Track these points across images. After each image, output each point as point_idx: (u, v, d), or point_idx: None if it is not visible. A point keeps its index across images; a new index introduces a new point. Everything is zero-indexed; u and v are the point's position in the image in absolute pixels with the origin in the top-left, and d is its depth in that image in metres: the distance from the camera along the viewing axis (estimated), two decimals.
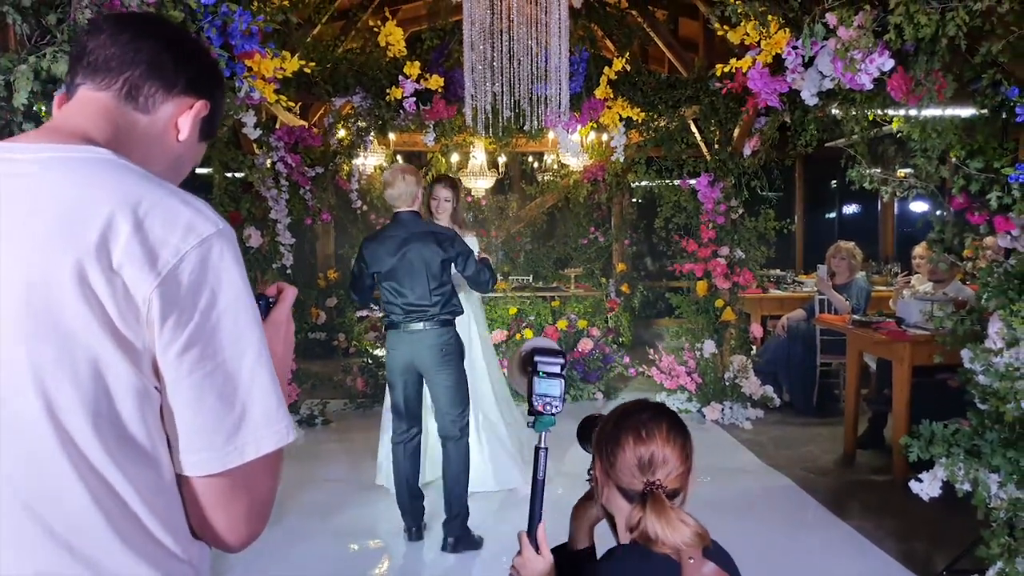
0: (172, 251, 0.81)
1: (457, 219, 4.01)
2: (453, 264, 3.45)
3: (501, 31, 3.69)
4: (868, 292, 5.56)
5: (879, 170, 2.90)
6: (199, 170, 4.86)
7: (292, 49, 3.74)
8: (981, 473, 2.50)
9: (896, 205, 9.00)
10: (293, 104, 4.44)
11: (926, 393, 4.14)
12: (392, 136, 7.16)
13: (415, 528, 3.55)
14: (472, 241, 4.09)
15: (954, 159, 2.66)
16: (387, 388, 3.71)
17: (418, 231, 3.41)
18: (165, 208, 0.83)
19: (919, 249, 5.21)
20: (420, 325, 3.40)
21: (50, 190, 0.82)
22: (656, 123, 5.34)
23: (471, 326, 4.24)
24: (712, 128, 5.44)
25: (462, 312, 3.57)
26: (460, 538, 3.43)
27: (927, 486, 2.63)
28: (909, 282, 5.51)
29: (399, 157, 8.57)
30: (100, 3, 2.11)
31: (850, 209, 10.62)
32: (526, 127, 4.20)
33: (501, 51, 3.70)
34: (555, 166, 8.51)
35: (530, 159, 9.23)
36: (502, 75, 3.70)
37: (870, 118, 3.63)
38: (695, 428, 5.40)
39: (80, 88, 0.96)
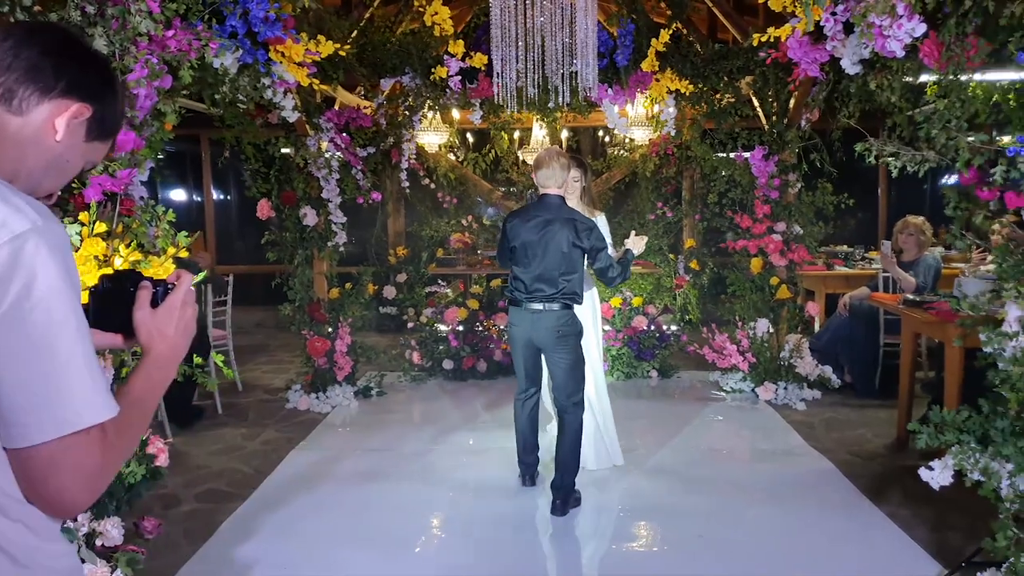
0: None
1: (587, 198, 4.12)
2: (585, 254, 3.55)
3: (526, 6, 3.69)
4: (937, 270, 5.25)
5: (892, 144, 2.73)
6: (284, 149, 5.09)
7: (327, 33, 3.86)
8: (995, 463, 2.36)
9: None
10: (326, 87, 4.58)
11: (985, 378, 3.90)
12: (456, 115, 7.26)
13: (528, 477, 3.91)
14: (602, 221, 4.11)
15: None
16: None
17: (561, 216, 3.51)
18: None
19: (996, 225, 4.86)
20: (540, 306, 3.54)
21: None
22: (708, 95, 5.18)
23: (596, 315, 4.23)
24: (770, 99, 5.23)
25: (581, 303, 3.66)
26: (566, 500, 3.62)
27: (938, 474, 2.51)
28: (985, 259, 5.17)
29: (469, 136, 8.67)
30: (98, 1, 2.27)
31: (947, 180, 9.93)
32: (558, 102, 4.17)
33: (526, 28, 3.70)
34: (625, 140, 8.36)
35: (600, 133, 9.11)
36: (527, 52, 3.70)
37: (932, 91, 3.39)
38: (747, 408, 5.30)
39: None
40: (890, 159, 2.66)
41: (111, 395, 0.99)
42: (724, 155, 5.52)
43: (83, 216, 2.28)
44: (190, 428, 4.96)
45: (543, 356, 3.72)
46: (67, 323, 0.94)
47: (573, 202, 4.02)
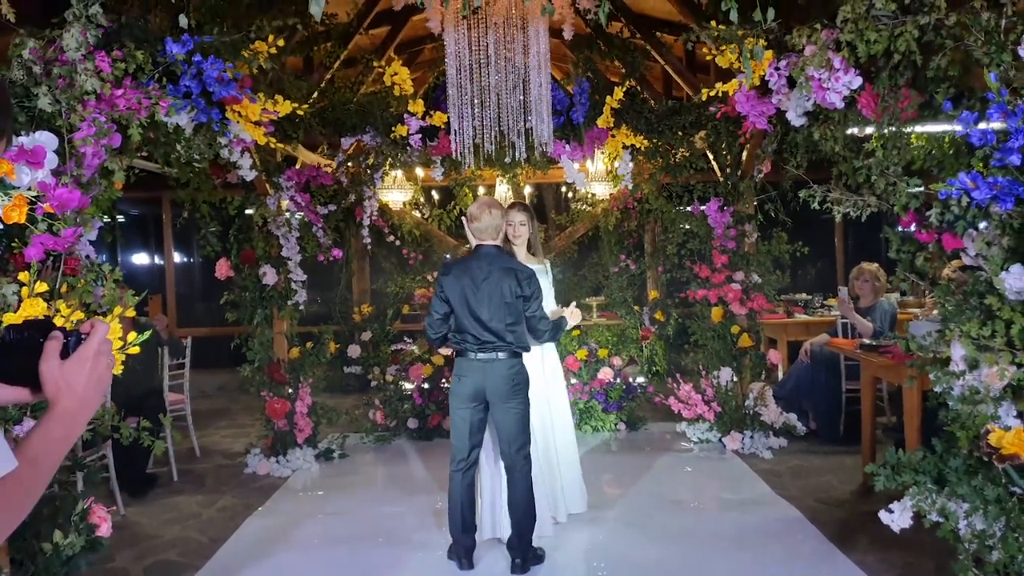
0: None
1: (533, 243, 4.08)
2: (524, 301, 3.48)
3: (481, 66, 3.77)
4: (893, 315, 5.34)
5: (836, 191, 2.81)
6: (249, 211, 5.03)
7: (285, 94, 3.89)
8: (951, 504, 2.36)
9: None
10: (283, 146, 4.61)
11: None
12: (420, 172, 7.32)
13: (465, 560, 3.56)
14: (547, 267, 4.12)
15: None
16: (451, 415, 3.62)
17: (501, 266, 3.47)
18: None
19: (946, 271, 4.98)
20: (492, 355, 3.44)
21: None
22: (663, 150, 5.30)
23: (557, 362, 4.16)
24: (724, 152, 5.37)
25: (529, 349, 3.60)
26: (526, 558, 3.50)
27: (898, 517, 2.50)
28: None
29: (435, 193, 8.74)
30: (47, 60, 2.27)
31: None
32: (516, 158, 4.24)
33: (482, 87, 3.77)
34: (588, 195, 8.49)
35: (564, 189, 9.26)
36: (483, 110, 3.77)
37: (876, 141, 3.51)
38: (715, 459, 5.28)
39: None
40: (834, 206, 2.73)
41: (8, 450, 0.93)
42: (681, 208, 5.62)
43: (23, 276, 2.23)
44: (143, 497, 4.78)
45: (489, 411, 3.54)
46: None
47: (521, 246, 3.99)
